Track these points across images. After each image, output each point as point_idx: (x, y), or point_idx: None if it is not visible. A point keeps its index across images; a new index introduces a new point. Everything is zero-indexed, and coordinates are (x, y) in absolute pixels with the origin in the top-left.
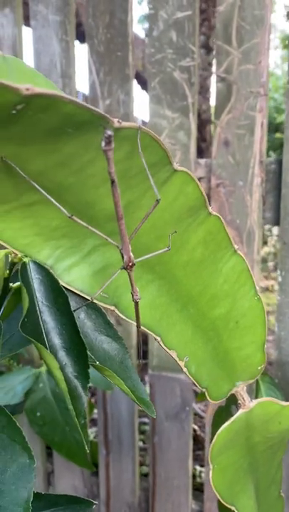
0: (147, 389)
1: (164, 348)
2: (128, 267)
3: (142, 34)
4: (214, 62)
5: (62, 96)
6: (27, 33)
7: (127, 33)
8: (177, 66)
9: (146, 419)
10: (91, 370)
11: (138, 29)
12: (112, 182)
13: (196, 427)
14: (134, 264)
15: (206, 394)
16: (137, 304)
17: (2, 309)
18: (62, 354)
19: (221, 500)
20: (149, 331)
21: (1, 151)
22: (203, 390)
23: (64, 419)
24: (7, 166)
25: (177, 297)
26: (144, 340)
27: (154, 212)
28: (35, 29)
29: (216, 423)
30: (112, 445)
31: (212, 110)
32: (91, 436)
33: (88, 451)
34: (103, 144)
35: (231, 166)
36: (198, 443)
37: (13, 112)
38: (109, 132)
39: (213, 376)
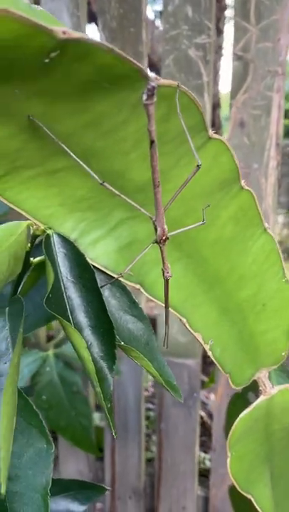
0: None
1: (190, 329)
2: (161, 241)
3: (150, 15)
4: (227, 42)
5: (102, 43)
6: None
7: (140, 8)
8: (192, 43)
9: (151, 405)
10: None
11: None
12: (152, 142)
13: (202, 414)
14: (167, 238)
15: (229, 379)
16: (167, 281)
17: (21, 285)
18: (87, 333)
19: (238, 488)
20: (174, 311)
21: (28, 109)
22: (227, 374)
23: (70, 403)
24: (33, 126)
25: (204, 277)
26: (152, 322)
27: (184, 187)
28: (45, 3)
29: (232, 411)
30: (118, 430)
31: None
32: (96, 422)
33: (114, 435)
34: (145, 96)
35: (246, 148)
36: (204, 429)
37: (46, 60)
38: (153, 83)
39: (237, 360)
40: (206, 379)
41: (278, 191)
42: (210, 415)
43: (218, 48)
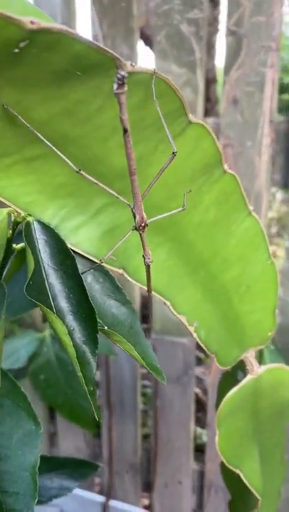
0: None
1: (174, 312)
2: (140, 228)
3: None
4: (222, 16)
5: (72, 32)
6: None
7: None
8: (185, 18)
9: (147, 382)
10: None
11: None
12: (125, 131)
13: (197, 390)
14: (146, 225)
15: (215, 359)
16: (148, 267)
17: (5, 271)
18: (69, 318)
19: (227, 464)
20: (158, 295)
21: (1, 97)
22: (212, 355)
23: (66, 382)
24: (8, 115)
25: (188, 260)
26: (144, 304)
27: (166, 169)
28: None
29: (222, 389)
30: (115, 407)
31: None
32: None
33: (97, 419)
34: (115, 86)
35: (239, 126)
36: (200, 405)
37: (16, 50)
38: (123, 73)
39: (222, 342)
40: (202, 356)
41: (272, 169)
42: (206, 391)
43: (214, 21)
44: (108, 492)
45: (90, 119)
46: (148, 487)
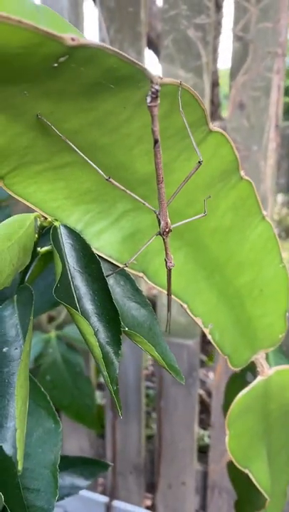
0: None
1: (191, 315)
2: (164, 233)
3: None
4: (227, 21)
5: (108, 47)
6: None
7: None
8: (191, 23)
9: (150, 384)
10: None
11: None
12: (156, 142)
13: (201, 392)
14: (170, 230)
15: (228, 361)
16: (170, 271)
17: (28, 273)
18: (94, 320)
19: (236, 464)
20: (176, 298)
21: (36, 108)
22: (225, 357)
23: (73, 383)
24: (41, 125)
25: (204, 265)
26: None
27: (186, 182)
28: None
29: (230, 390)
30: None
31: (220, 73)
32: (98, 400)
33: (120, 415)
34: (149, 99)
35: (246, 130)
36: (202, 407)
37: (55, 64)
38: (157, 87)
39: (235, 343)
40: (204, 358)
41: (277, 173)
42: (208, 393)
43: (217, 25)
44: (112, 492)
45: (118, 129)
46: (151, 488)
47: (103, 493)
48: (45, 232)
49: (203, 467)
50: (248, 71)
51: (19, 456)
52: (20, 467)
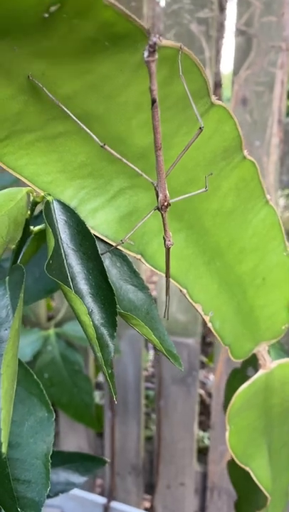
0: (153, 353)
1: (190, 300)
2: (163, 207)
3: None
4: (231, 17)
5: None
6: None
7: None
8: (194, 18)
9: (150, 384)
10: None
11: None
12: (153, 102)
13: (202, 392)
14: (169, 204)
15: (229, 352)
16: (168, 250)
17: (22, 253)
18: (88, 300)
19: (237, 461)
20: (174, 282)
21: (27, 69)
22: (226, 347)
23: (72, 380)
24: (33, 88)
25: (205, 249)
26: None
27: (186, 151)
28: None
29: (231, 385)
30: (118, 408)
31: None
32: (97, 399)
33: (115, 400)
34: (146, 53)
35: (248, 125)
36: (201, 408)
37: (46, 15)
38: (154, 39)
39: (236, 333)
40: (204, 359)
41: (280, 169)
42: (209, 394)
43: (220, 26)
44: (110, 493)
45: (115, 96)
46: (150, 489)
47: (101, 494)
48: (39, 211)
49: (202, 468)
50: (252, 66)
51: (3, 438)
52: (4, 449)
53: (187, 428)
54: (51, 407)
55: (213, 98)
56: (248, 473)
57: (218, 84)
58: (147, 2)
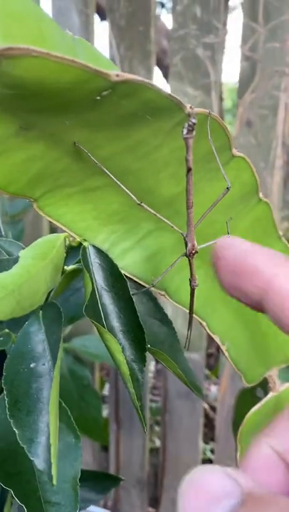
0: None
1: (209, 332)
2: (191, 255)
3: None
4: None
5: (148, 82)
6: (45, 4)
7: (149, 7)
8: (200, 43)
9: (152, 396)
10: (101, 346)
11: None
12: (189, 170)
13: (206, 406)
14: (196, 252)
15: (242, 377)
16: (193, 290)
17: (54, 290)
18: (120, 337)
19: None
20: (196, 316)
21: (74, 136)
22: (239, 372)
23: (80, 396)
24: (77, 151)
25: None
26: None
27: (207, 198)
28: (54, 1)
29: (240, 405)
30: (123, 421)
31: (224, 86)
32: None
33: (146, 433)
34: (185, 131)
35: (253, 147)
36: (207, 421)
37: (97, 97)
38: (194, 120)
39: (250, 360)
40: (207, 372)
41: (284, 190)
42: (211, 407)
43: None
44: (114, 506)
45: (148, 155)
46: (155, 502)
47: (105, 506)
48: (72, 253)
49: None
50: (256, 89)
51: (54, 472)
52: (54, 482)
53: (192, 442)
54: (78, 433)
55: (234, 151)
56: None
57: (219, 98)
58: (154, 27)
